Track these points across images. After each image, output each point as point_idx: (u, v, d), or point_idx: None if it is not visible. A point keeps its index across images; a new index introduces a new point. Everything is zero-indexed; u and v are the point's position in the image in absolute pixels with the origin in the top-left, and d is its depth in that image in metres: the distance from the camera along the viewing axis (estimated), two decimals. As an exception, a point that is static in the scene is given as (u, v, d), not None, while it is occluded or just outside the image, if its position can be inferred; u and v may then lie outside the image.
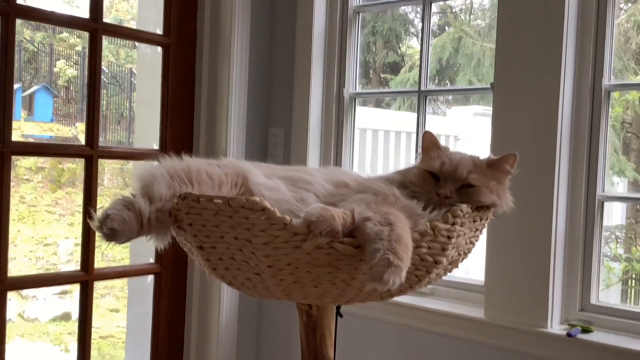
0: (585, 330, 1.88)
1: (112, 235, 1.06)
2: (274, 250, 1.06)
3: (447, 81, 4.62)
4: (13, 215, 7.31)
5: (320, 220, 1.03)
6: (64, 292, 6.53)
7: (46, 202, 7.83)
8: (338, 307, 1.33)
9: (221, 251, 1.11)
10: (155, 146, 2.53)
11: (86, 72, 2.24)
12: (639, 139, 3.60)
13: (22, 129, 7.80)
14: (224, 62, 2.51)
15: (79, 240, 2.27)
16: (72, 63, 8.87)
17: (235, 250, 1.09)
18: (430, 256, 1.12)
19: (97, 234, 1.08)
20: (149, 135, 2.92)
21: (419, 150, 1.32)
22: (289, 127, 2.61)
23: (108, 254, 7.38)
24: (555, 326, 1.94)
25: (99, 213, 1.11)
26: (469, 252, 1.25)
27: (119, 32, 2.39)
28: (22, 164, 7.88)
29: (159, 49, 2.51)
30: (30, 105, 7.89)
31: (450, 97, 4.66)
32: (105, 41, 2.28)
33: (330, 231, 1.03)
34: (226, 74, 2.51)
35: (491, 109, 2.08)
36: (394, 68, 5.05)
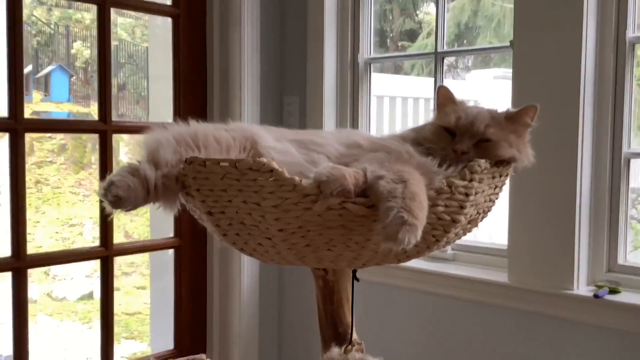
0: (613, 291, 1.83)
1: (117, 202, 1.03)
2: (284, 213, 1.03)
3: (467, 46, 4.52)
4: (38, 197, 7.42)
5: (331, 179, 0.99)
6: (92, 271, 6.62)
7: (70, 184, 7.91)
8: (354, 271, 1.29)
9: (230, 216, 1.08)
10: (170, 120, 2.51)
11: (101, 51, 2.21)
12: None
13: (38, 109, 7.85)
14: (234, 31, 2.46)
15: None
16: (88, 44, 8.87)
17: (245, 215, 1.06)
18: (447, 215, 1.07)
19: (104, 202, 1.06)
20: (163, 109, 2.90)
21: (434, 106, 1.27)
22: (304, 96, 2.56)
23: (133, 233, 7.45)
24: (582, 288, 1.89)
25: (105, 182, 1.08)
26: (488, 211, 1.20)
27: (127, 3, 2.35)
28: (44, 146, 7.95)
29: (170, 20, 2.47)
30: (47, 86, 7.92)
31: (469, 63, 4.56)
32: (120, 19, 2.25)
33: (341, 191, 0.99)
34: (237, 44, 2.46)
35: (511, 70, 2.01)
36: (412, 36, 4.95)
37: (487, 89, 3.54)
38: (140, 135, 1.19)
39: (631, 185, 1.94)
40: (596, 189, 1.91)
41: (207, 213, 1.10)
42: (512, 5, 2.00)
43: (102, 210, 1.07)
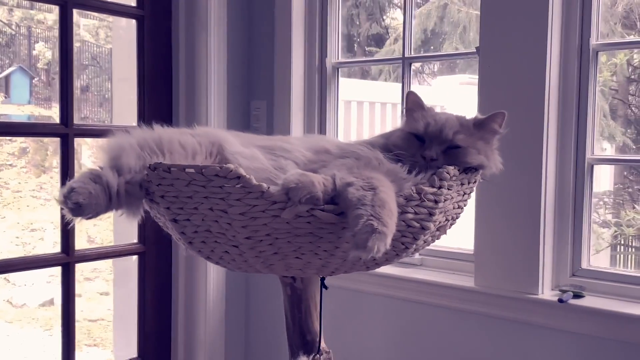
0: (577, 296, 1.84)
1: (78, 210, 1.00)
2: (252, 221, 1.01)
3: (434, 51, 4.55)
4: (-4, 200, 7.24)
5: (299, 186, 0.98)
6: (52, 276, 6.47)
7: (31, 187, 7.72)
8: (322, 279, 1.28)
9: (196, 223, 1.05)
10: (134, 123, 2.46)
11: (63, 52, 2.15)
12: (624, 104, 3.56)
13: (-3, 112, 7.67)
14: (201, 33, 2.43)
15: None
16: (51, 45, 8.69)
17: (211, 222, 1.04)
18: (416, 222, 1.07)
19: (64, 209, 1.02)
20: (127, 112, 2.84)
21: (403, 112, 1.26)
22: (271, 100, 2.54)
23: (95, 237, 7.31)
24: (547, 292, 1.91)
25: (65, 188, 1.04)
26: (457, 217, 1.20)
27: (90, 4, 2.30)
28: (4, 149, 7.75)
29: (134, 22, 2.43)
30: (7, 88, 7.74)
31: (435, 69, 4.60)
32: (83, 20, 2.19)
33: (310, 198, 0.98)
34: (204, 47, 2.43)
35: (477, 76, 2.02)
36: (379, 41, 4.98)
37: (453, 95, 3.57)
38: (103, 139, 1.16)
39: (594, 190, 1.97)
40: (560, 194, 1.93)
41: (172, 220, 1.07)
42: (478, 12, 2.02)
43: (63, 216, 1.03)
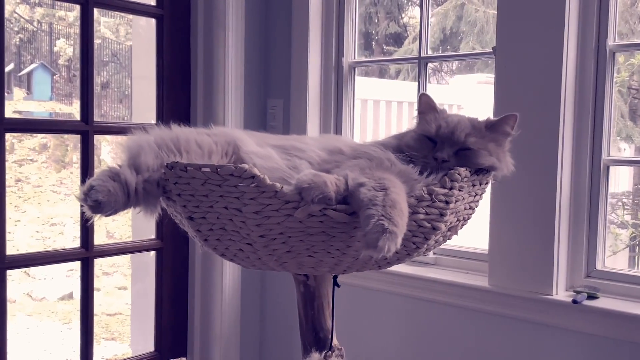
0: (591, 297, 1.84)
1: (97, 207, 1.03)
2: (265, 219, 1.03)
3: (451, 50, 4.54)
4: (19, 195, 7.34)
5: (312, 186, 1.00)
6: (71, 270, 6.56)
7: (51, 182, 7.83)
8: (335, 277, 1.30)
9: (211, 221, 1.08)
10: (153, 121, 2.49)
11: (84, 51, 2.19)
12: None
13: (20, 108, 7.77)
14: (219, 32, 2.45)
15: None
16: (71, 42, 8.79)
17: (226, 220, 1.06)
18: (427, 222, 1.08)
19: (83, 207, 1.05)
20: (147, 110, 2.88)
21: (416, 113, 1.27)
22: (288, 98, 2.56)
23: (114, 232, 7.39)
24: (561, 293, 1.91)
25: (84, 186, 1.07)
26: (468, 218, 1.21)
27: (111, 3, 2.33)
28: (25, 145, 7.86)
29: (154, 21, 2.46)
30: (29, 84, 7.85)
31: (453, 67, 4.59)
32: (104, 17, 2.23)
33: (322, 198, 1.00)
34: (221, 46, 2.45)
35: (494, 75, 2.02)
36: (397, 39, 4.97)
37: (471, 94, 3.56)
38: (122, 137, 1.18)
39: (611, 190, 1.96)
40: (576, 195, 1.93)
41: (188, 218, 1.10)
42: (495, 12, 2.02)
43: (83, 212, 1.06)
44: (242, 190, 1.02)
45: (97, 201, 1.02)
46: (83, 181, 2.11)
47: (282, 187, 1.02)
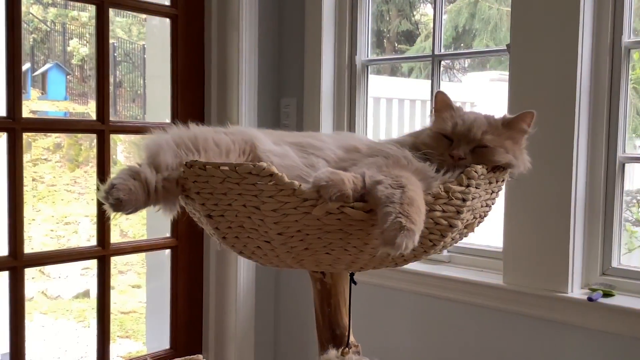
0: (607, 295, 1.84)
1: (119, 206, 1.04)
2: (283, 217, 1.04)
3: (464, 48, 4.53)
4: (33, 194, 7.41)
5: (330, 184, 1.00)
6: (86, 269, 6.61)
7: (65, 182, 7.89)
8: (352, 275, 1.30)
9: (230, 219, 1.09)
10: (167, 120, 2.51)
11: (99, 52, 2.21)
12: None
13: (35, 108, 7.83)
14: (232, 32, 2.47)
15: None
16: (84, 42, 8.86)
17: (244, 218, 1.07)
18: (444, 219, 1.09)
19: (105, 205, 1.06)
20: (161, 109, 2.90)
21: (432, 111, 1.28)
22: (301, 97, 2.57)
23: (127, 231, 7.44)
24: (576, 291, 1.90)
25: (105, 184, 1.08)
26: (485, 215, 1.21)
27: (126, 3, 2.35)
28: (39, 144, 7.93)
29: (168, 21, 2.48)
30: (43, 84, 7.92)
31: (466, 65, 4.57)
32: (117, 17, 2.25)
33: (340, 195, 1.01)
34: (235, 45, 2.47)
35: (508, 73, 2.02)
36: (409, 37, 4.96)
37: (484, 91, 3.55)
38: (139, 136, 1.20)
39: (626, 188, 1.95)
40: (591, 193, 1.92)
41: (206, 216, 1.11)
42: (509, 9, 2.02)
43: (99, 209, 1.08)
44: (261, 188, 1.03)
45: (119, 199, 1.04)
46: (100, 180, 2.13)
47: (300, 185, 1.03)
